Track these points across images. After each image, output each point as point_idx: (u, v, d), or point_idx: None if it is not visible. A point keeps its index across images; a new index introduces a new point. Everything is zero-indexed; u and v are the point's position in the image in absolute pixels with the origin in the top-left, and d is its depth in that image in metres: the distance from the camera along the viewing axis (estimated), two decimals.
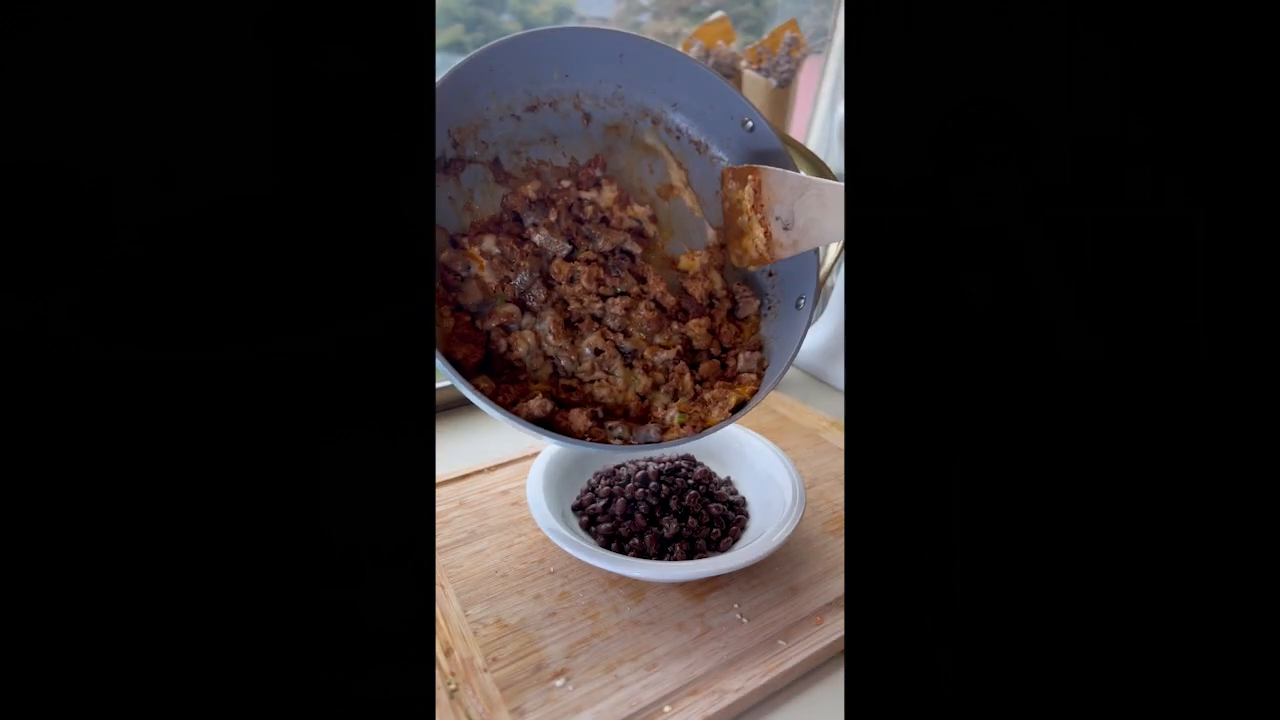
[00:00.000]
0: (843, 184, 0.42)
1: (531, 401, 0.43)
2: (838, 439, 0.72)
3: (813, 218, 0.44)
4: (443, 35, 0.73)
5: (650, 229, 0.51)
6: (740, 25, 0.86)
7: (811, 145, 0.89)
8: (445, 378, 0.39)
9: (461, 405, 0.79)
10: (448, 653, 0.44)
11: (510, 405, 0.43)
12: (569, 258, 0.49)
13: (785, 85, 0.83)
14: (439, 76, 0.41)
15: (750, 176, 0.48)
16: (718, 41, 0.83)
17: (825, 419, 0.77)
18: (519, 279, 0.47)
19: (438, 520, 0.56)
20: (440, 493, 0.60)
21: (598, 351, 0.47)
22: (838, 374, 0.89)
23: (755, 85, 0.82)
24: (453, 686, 0.41)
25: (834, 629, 0.47)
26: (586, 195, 0.50)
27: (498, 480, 0.63)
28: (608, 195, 0.50)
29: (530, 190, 0.49)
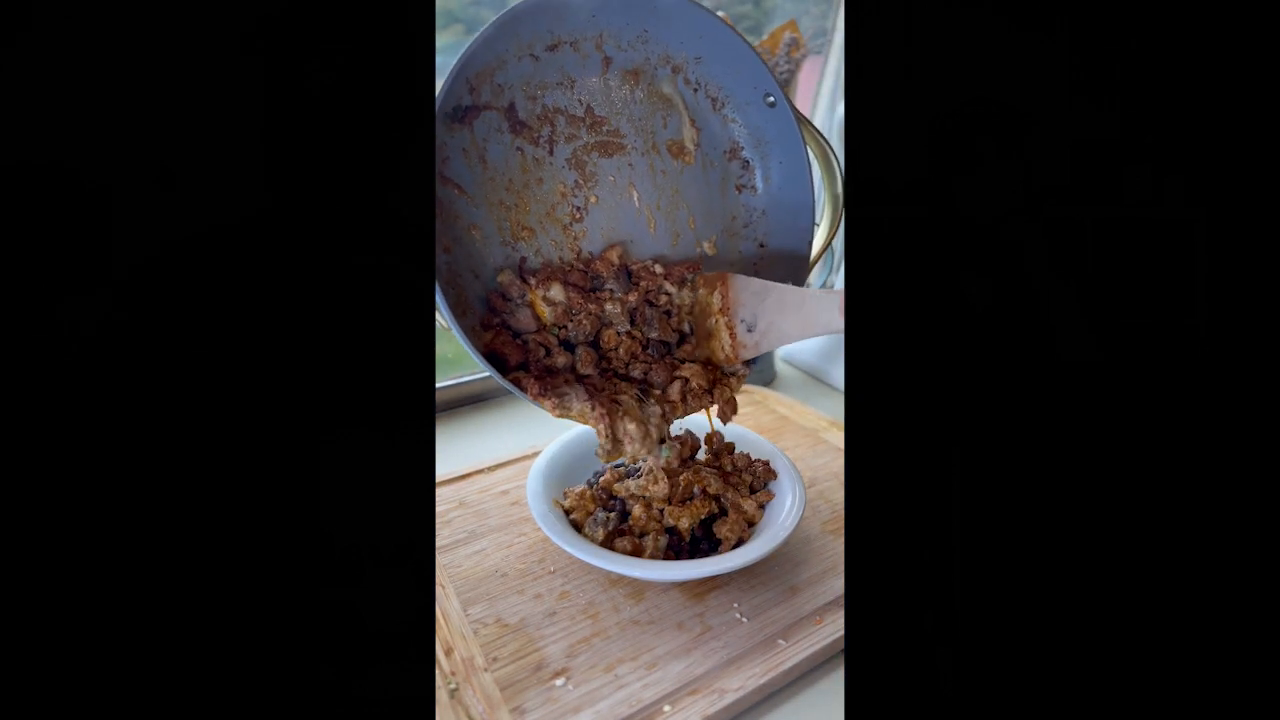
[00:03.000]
0: (799, 288, 0.45)
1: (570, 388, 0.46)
2: (838, 439, 0.72)
3: (772, 320, 0.46)
4: (443, 36, 0.73)
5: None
6: (740, 25, 0.86)
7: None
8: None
9: (461, 405, 0.79)
10: (448, 652, 0.44)
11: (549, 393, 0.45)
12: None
13: (785, 85, 0.83)
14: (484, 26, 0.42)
15: (719, 283, 0.50)
16: None
17: (825, 419, 0.77)
18: (574, 333, 0.49)
19: (438, 520, 0.56)
20: (440, 493, 0.60)
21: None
22: (838, 374, 0.89)
23: None
24: (453, 686, 0.41)
25: (834, 629, 0.47)
26: (670, 288, 0.52)
27: (498, 480, 0.63)
28: (686, 297, 0.52)
29: (614, 255, 0.51)
